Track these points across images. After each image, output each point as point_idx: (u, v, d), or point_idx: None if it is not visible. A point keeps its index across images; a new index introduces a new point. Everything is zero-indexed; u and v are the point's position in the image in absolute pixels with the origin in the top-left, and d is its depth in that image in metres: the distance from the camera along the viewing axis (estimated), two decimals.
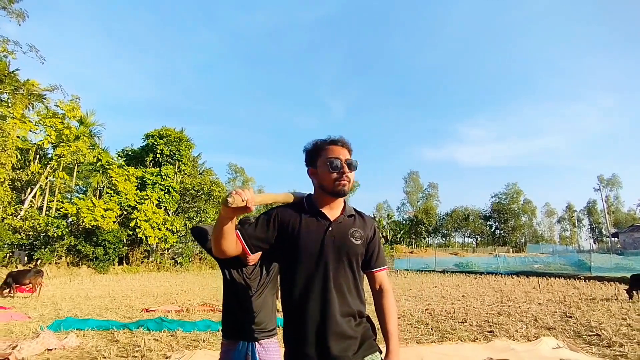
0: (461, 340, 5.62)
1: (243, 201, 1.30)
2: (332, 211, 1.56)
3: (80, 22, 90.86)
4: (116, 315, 8.30)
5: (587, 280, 16.00)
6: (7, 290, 12.38)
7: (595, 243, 73.18)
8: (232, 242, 1.42)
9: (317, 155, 1.57)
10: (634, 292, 9.74)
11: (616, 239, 49.71)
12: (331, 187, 1.51)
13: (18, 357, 4.56)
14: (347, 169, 1.50)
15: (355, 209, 1.64)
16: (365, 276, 1.61)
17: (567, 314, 7.69)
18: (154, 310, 8.87)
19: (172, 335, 6.11)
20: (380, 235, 1.67)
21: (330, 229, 1.50)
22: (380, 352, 1.51)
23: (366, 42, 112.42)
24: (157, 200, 29.67)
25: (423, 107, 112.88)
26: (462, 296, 11.42)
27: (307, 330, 1.42)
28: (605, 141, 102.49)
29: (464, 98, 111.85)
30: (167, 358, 4.74)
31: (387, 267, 1.63)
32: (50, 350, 5.04)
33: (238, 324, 2.10)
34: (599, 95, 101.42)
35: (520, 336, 5.84)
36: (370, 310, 1.51)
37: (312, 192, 1.62)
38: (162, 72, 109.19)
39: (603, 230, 69.71)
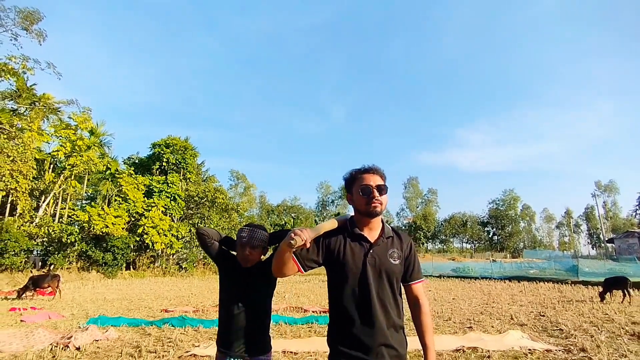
0: (443, 334, 6.59)
1: (302, 241, 1.49)
2: (372, 232, 1.74)
3: (81, 28, 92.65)
4: (140, 315, 9.27)
5: (573, 285, 16.96)
6: (31, 293, 13.42)
7: (593, 249, 73.99)
8: (290, 266, 1.64)
9: (352, 184, 1.77)
10: (607, 294, 10.70)
11: (611, 244, 50.58)
12: (364, 209, 1.70)
13: (75, 344, 5.56)
14: (376, 194, 1.68)
15: (393, 229, 1.82)
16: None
17: (541, 314, 8.67)
18: (173, 311, 9.82)
19: (195, 330, 7.10)
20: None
21: (371, 251, 1.69)
22: None
23: (366, 47, 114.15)
24: (164, 207, 30.69)
25: (423, 112, 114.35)
26: (452, 299, 12.36)
27: (355, 339, 1.61)
28: (604, 147, 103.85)
29: (464, 103, 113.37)
30: (196, 346, 5.73)
31: (424, 280, 1.81)
32: (98, 340, 6.04)
33: (226, 337, 2.09)
34: (598, 101, 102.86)
35: (495, 331, 6.80)
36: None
37: (354, 214, 1.82)
38: (163, 77, 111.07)
39: (601, 236, 70.61)
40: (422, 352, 1.73)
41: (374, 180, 1.70)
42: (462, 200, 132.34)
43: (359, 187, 1.70)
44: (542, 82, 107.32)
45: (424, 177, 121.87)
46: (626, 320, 7.52)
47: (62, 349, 5.46)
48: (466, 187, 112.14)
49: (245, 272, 2.14)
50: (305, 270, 1.70)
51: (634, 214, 66.31)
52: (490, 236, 73.65)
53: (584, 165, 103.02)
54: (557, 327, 7.07)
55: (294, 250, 1.55)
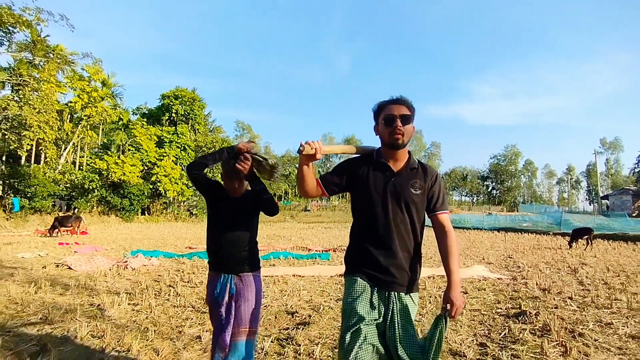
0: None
1: (312, 149, 1.58)
2: (397, 163, 1.77)
3: None
4: (169, 250, 10.90)
5: (554, 235, 18.55)
6: (56, 231, 15.20)
7: (590, 205, 75.78)
8: (313, 185, 1.71)
9: (378, 114, 1.77)
10: (574, 242, 12.22)
11: (606, 200, 52.09)
12: (387, 139, 1.72)
13: (131, 266, 7.14)
14: (399, 123, 1.68)
15: (419, 161, 1.82)
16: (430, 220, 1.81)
17: (510, 256, 10.19)
18: (196, 248, 11.47)
19: None
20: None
21: (392, 179, 1.72)
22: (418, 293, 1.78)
23: None
24: (175, 157, 32.17)
25: (430, 61, 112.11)
26: None
27: (371, 258, 1.69)
28: (616, 101, 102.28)
29: (474, 53, 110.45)
30: None
31: (449, 212, 1.83)
32: (145, 265, 7.62)
33: (219, 258, 2.24)
34: (614, 53, 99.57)
35: (464, 266, 8.31)
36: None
37: (380, 146, 1.83)
38: (165, 22, 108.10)
39: (599, 192, 72.00)
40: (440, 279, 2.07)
41: (398, 110, 1.70)
42: (465, 154, 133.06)
43: (383, 117, 1.72)
44: (557, 31, 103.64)
45: (429, 130, 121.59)
46: (576, 262, 9.00)
47: (123, 268, 7.05)
48: (471, 141, 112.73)
49: (232, 200, 2.27)
50: (329, 194, 1.79)
51: (633, 171, 67.23)
52: (489, 190, 75.48)
53: (592, 121, 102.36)
54: (516, 265, 8.57)
55: (304, 155, 1.64)
